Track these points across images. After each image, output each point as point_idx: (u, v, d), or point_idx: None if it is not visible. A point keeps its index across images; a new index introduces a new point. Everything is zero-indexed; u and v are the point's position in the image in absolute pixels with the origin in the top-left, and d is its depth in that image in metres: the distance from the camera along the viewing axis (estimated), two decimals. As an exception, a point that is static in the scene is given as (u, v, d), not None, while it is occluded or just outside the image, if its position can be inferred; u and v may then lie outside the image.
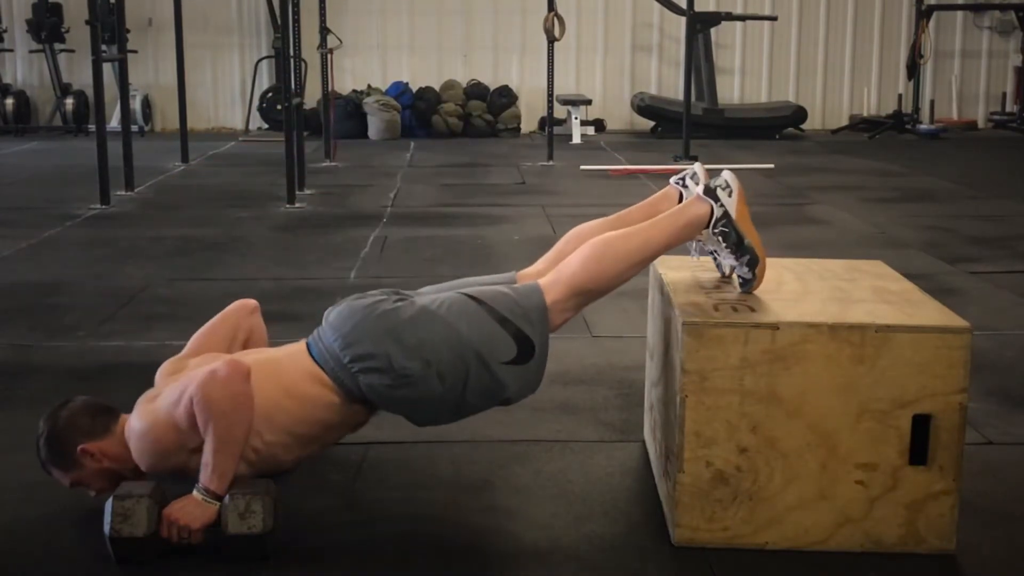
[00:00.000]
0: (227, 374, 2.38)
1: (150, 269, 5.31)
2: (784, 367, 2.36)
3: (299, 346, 2.66)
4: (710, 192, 2.63)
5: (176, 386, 2.49)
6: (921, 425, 2.36)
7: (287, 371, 2.57)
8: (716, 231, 2.61)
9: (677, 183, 2.78)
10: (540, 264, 2.76)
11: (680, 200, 2.75)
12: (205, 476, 2.38)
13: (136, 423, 2.51)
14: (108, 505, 2.35)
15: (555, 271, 2.63)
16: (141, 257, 5.61)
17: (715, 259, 2.75)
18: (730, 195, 2.62)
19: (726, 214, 2.60)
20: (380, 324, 2.53)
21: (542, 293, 2.57)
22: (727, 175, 2.65)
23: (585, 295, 2.61)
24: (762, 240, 2.64)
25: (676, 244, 2.67)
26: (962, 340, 2.33)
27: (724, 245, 2.62)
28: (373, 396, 2.55)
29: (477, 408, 2.62)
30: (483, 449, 3.02)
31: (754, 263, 2.59)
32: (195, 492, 2.37)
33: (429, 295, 2.65)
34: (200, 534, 2.35)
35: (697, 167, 2.75)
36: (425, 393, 2.52)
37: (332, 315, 2.62)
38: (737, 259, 2.60)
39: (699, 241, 2.70)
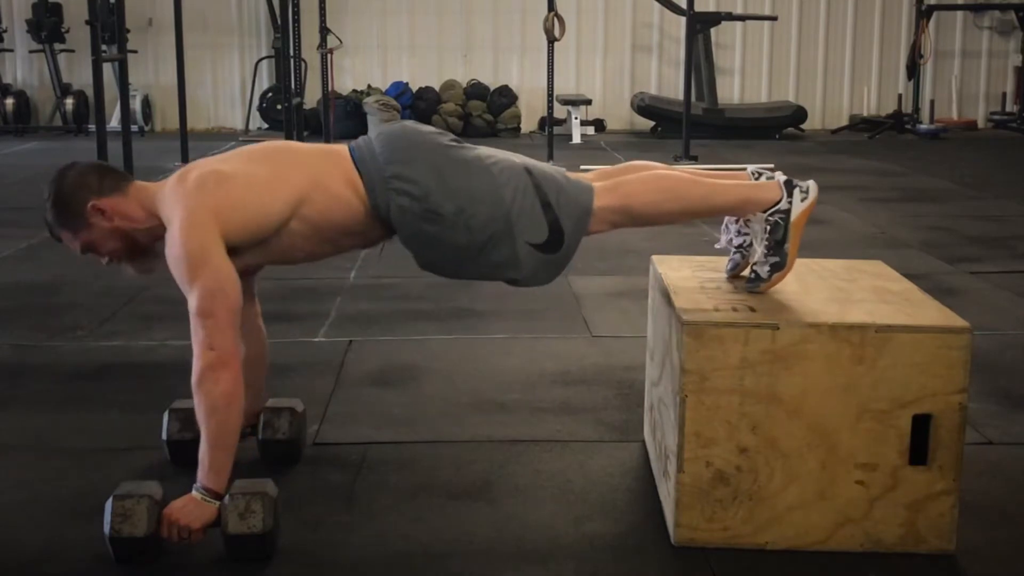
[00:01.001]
0: (226, 375, 2.37)
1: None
2: (784, 367, 2.35)
3: (340, 147, 2.64)
4: (789, 185, 2.61)
5: (206, 306, 2.38)
6: (921, 425, 2.36)
7: (325, 166, 2.56)
8: (771, 219, 2.57)
9: (753, 173, 2.75)
10: (592, 174, 2.73)
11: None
12: (202, 474, 2.38)
13: (177, 237, 2.41)
14: (108, 505, 2.35)
15: (614, 181, 2.60)
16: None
17: (734, 253, 2.72)
18: (803, 200, 2.59)
19: (788, 210, 2.58)
20: (431, 155, 2.53)
21: (593, 196, 2.55)
22: (812, 184, 2.63)
23: (631, 217, 2.60)
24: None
25: (733, 212, 2.65)
26: (962, 340, 2.33)
27: (767, 236, 2.58)
28: (397, 218, 2.52)
29: (484, 274, 2.60)
30: (483, 449, 3.02)
31: (778, 267, 2.57)
32: (194, 492, 2.37)
33: (488, 149, 2.63)
34: (200, 534, 2.35)
35: (779, 173, 2.71)
36: (446, 236, 2.50)
37: (386, 129, 2.61)
38: (767, 255, 2.58)
39: (746, 223, 2.66)
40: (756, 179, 2.71)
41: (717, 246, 2.78)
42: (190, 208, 2.46)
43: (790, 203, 2.58)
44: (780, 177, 2.65)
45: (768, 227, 2.58)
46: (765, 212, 2.59)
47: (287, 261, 2.65)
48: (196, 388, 2.38)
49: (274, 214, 2.50)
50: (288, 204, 2.50)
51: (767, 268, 2.58)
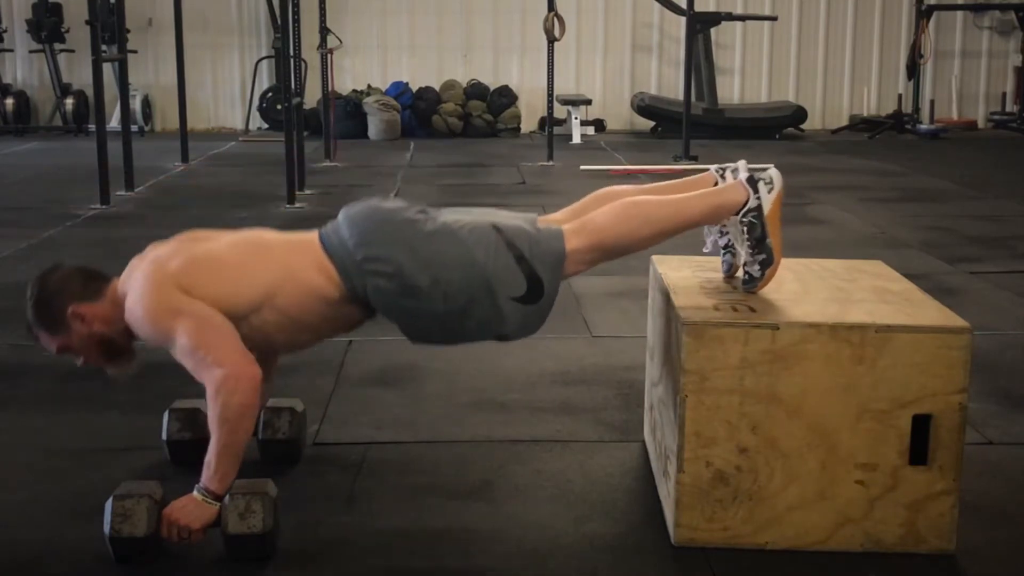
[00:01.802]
0: (244, 386, 2.37)
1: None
2: (784, 367, 2.35)
3: (311, 235, 2.65)
4: (752, 182, 2.61)
5: (199, 335, 2.40)
6: (921, 425, 2.36)
7: (296, 256, 2.57)
8: (745, 220, 2.58)
9: (718, 171, 2.75)
10: (561, 214, 2.74)
11: (715, 186, 2.73)
12: (207, 476, 2.38)
13: (140, 306, 2.44)
14: (108, 505, 2.35)
15: (581, 221, 2.61)
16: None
17: (724, 254, 2.73)
18: (770, 191, 2.59)
19: (759, 207, 2.58)
20: (399, 231, 2.53)
21: (564, 239, 2.56)
22: (774, 172, 2.62)
23: (605, 251, 2.60)
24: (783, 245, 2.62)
25: (705, 222, 2.65)
26: (962, 340, 2.33)
27: (746, 237, 2.58)
28: (376, 299, 2.54)
29: (473, 336, 2.61)
30: (483, 449, 3.02)
31: (767, 264, 2.57)
32: (195, 492, 2.37)
33: (453, 214, 2.64)
34: (200, 534, 2.35)
35: (741, 163, 2.72)
36: (427, 308, 2.51)
37: (353, 211, 2.61)
38: (753, 255, 2.58)
39: (723, 227, 2.68)
40: (721, 176, 2.71)
41: (705, 251, 2.78)
42: (148, 275, 2.48)
43: (759, 199, 2.58)
44: (742, 174, 2.65)
45: (745, 228, 2.59)
46: (737, 215, 2.59)
47: (265, 349, 2.60)
48: (212, 399, 2.37)
49: (240, 296, 2.49)
50: (256, 292, 2.49)
51: (757, 267, 2.58)
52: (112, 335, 2.55)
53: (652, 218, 2.58)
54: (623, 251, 2.63)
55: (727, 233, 2.69)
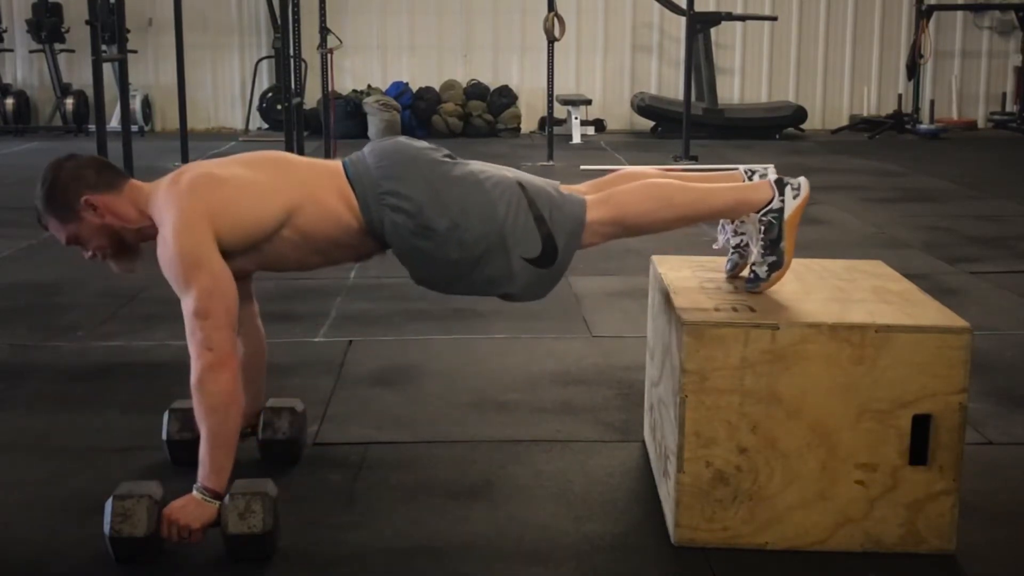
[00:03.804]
0: (220, 375, 2.37)
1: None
2: (784, 367, 2.35)
3: (335, 162, 2.65)
4: (780, 183, 2.61)
5: (203, 306, 2.39)
6: (921, 425, 2.36)
7: (319, 180, 2.57)
8: (764, 219, 2.57)
9: (746, 172, 2.75)
10: (584, 187, 2.74)
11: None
12: (203, 474, 2.38)
13: (172, 241, 2.42)
14: (108, 505, 2.35)
15: (606, 193, 2.61)
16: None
17: (732, 254, 2.73)
18: (795, 197, 2.59)
19: (781, 209, 2.58)
20: (425, 171, 2.54)
21: (585, 209, 2.56)
22: (803, 180, 2.63)
23: (624, 227, 2.60)
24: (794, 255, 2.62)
25: (726, 214, 2.65)
26: (962, 340, 2.33)
27: (762, 236, 2.58)
28: (391, 234, 2.54)
29: (477, 289, 2.61)
30: (483, 449, 3.02)
31: (776, 266, 2.57)
32: (194, 491, 2.37)
33: (481, 164, 2.64)
34: (200, 534, 2.35)
35: (771, 167, 2.72)
36: (439, 252, 2.51)
37: (380, 145, 2.62)
38: (764, 255, 2.58)
39: (741, 223, 2.67)
40: (749, 178, 2.71)
41: (715, 246, 2.78)
42: (183, 209, 2.46)
43: (783, 202, 2.58)
44: (771, 176, 2.65)
45: (763, 227, 2.58)
46: (758, 212, 2.59)
47: (278, 268, 2.66)
48: (195, 389, 2.38)
49: (267, 220, 2.51)
50: (280, 212, 2.51)
51: (765, 268, 2.58)
52: (123, 230, 2.55)
53: (676, 201, 2.58)
54: (642, 229, 2.63)
55: (742, 233, 2.68)
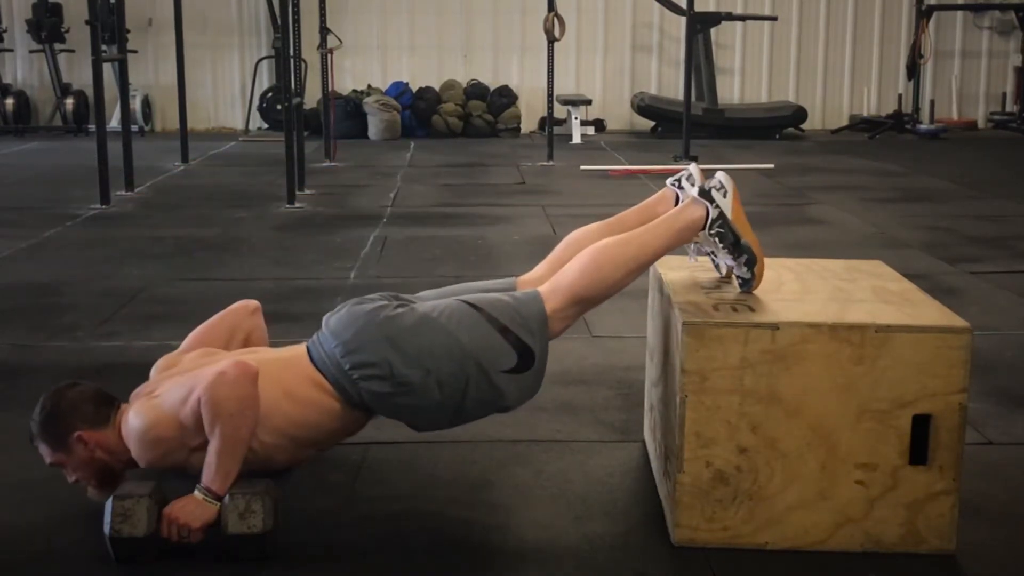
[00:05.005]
0: (236, 376, 2.38)
1: (150, 269, 5.31)
2: (784, 367, 2.35)
3: (299, 349, 2.66)
4: (705, 194, 2.63)
5: (182, 383, 2.48)
6: (921, 425, 2.36)
7: (288, 374, 2.57)
8: (712, 232, 2.61)
9: (673, 184, 2.78)
10: (539, 269, 2.77)
11: (677, 202, 2.75)
12: (208, 476, 2.38)
13: (136, 420, 2.49)
14: (108, 505, 2.35)
15: (553, 279, 2.63)
16: (141, 257, 5.61)
17: (713, 260, 2.76)
18: (725, 195, 2.62)
19: (721, 215, 2.61)
20: (381, 331, 2.54)
21: (542, 301, 2.58)
22: (721, 176, 2.66)
23: (584, 302, 2.62)
24: (760, 240, 2.64)
25: (673, 247, 2.68)
26: (962, 340, 2.33)
27: (721, 246, 2.62)
28: (373, 403, 2.56)
29: (476, 415, 2.63)
30: (483, 449, 3.02)
31: (752, 262, 2.59)
32: (196, 492, 2.37)
33: (430, 301, 2.65)
34: (200, 534, 2.35)
35: (693, 168, 2.75)
36: (424, 401, 2.53)
37: (332, 321, 2.62)
38: (735, 259, 2.61)
39: (696, 243, 2.70)
40: (678, 189, 2.74)
41: (690, 262, 2.81)
42: (144, 403, 2.52)
43: (718, 207, 2.62)
44: (693, 189, 2.67)
45: (716, 239, 2.62)
46: (704, 229, 2.62)
47: (269, 469, 2.57)
48: (207, 400, 2.37)
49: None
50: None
51: (744, 268, 2.61)
52: (111, 463, 2.55)
53: (619, 260, 2.59)
54: (602, 297, 2.65)
55: (703, 247, 2.72)
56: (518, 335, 2.54)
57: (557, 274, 2.64)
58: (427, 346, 2.51)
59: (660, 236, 2.63)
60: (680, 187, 2.75)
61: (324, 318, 2.67)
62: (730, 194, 2.62)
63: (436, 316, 2.56)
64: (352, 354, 2.53)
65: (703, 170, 2.77)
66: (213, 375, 2.39)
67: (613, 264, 2.59)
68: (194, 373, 2.52)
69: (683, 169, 2.79)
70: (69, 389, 2.59)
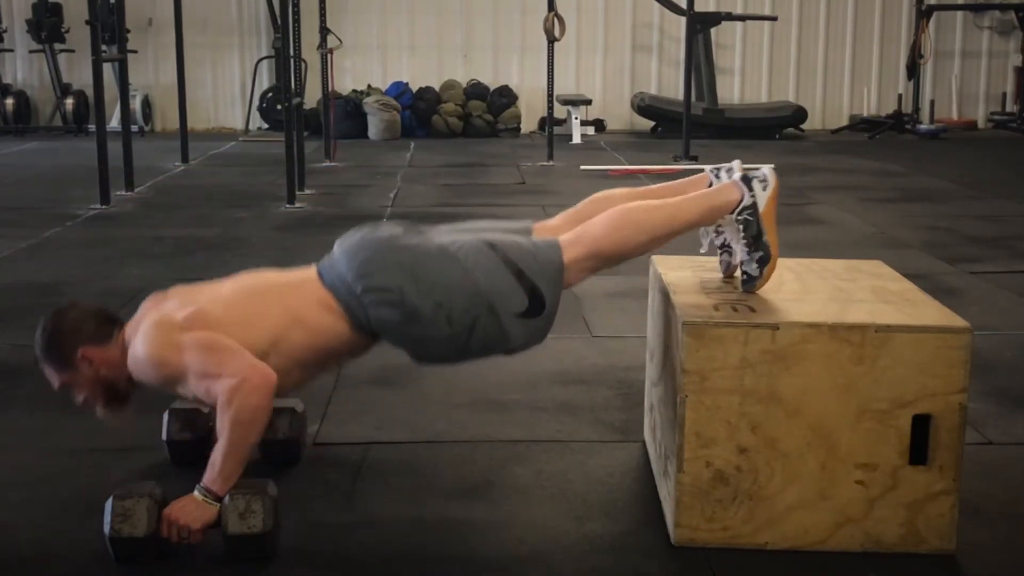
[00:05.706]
0: (258, 384, 2.38)
1: (150, 269, 5.31)
2: (784, 367, 2.35)
3: (308, 272, 2.65)
4: (746, 180, 2.61)
5: (210, 357, 2.42)
6: (921, 425, 2.36)
7: (296, 298, 2.57)
8: (740, 218, 2.58)
9: (713, 172, 2.76)
10: (558, 219, 2.74)
11: (710, 187, 2.73)
12: (210, 477, 2.38)
13: (144, 348, 2.47)
14: (108, 505, 2.35)
15: (577, 231, 2.61)
16: (141, 257, 5.61)
17: (722, 255, 2.73)
18: (764, 189, 2.59)
19: (754, 205, 2.58)
20: (397, 258, 2.54)
21: (561, 251, 2.57)
22: (767, 170, 2.63)
23: (603, 259, 2.61)
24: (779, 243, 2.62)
25: (700, 224, 2.66)
26: (962, 340, 2.33)
27: (742, 235, 2.59)
28: (381, 328, 2.55)
29: (480, 354, 2.63)
30: (483, 449, 3.02)
31: (765, 261, 2.57)
32: (196, 492, 2.37)
33: (448, 234, 2.64)
34: (200, 534, 2.35)
35: (736, 163, 2.72)
36: (432, 333, 2.52)
37: (347, 243, 2.62)
38: (750, 253, 2.59)
39: (718, 227, 2.68)
40: (716, 176, 2.71)
41: (701, 251, 2.79)
42: (153, 322, 2.51)
43: (753, 197, 2.59)
44: (736, 174, 2.65)
45: (741, 226, 2.59)
46: (733, 213, 2.60)
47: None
48: (224, 405, 2.37)
49: (247, 348, 2.48)
50: (262, 341, 2.49)
51: (755, 265, 2.59)
52: (116, 381, 2.56)
53: (646, 224, 2.58)
54: (621, 258, 2.63)
55: (723, 232, 2.69)
56: (533, 281, 2.53)
57: (581, 226, 2.62)
58: (442, 280, 2.51)
59: (690, 209, 2.61)
60: (717, 176, 2.73)
61: (338, 241, 2.66)
62: (770, 189, 2.60)
63: (454, 251, 2.55)
64: (366, 277, 2.53)
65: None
66: (238, 380, 2.37)
67: (639, 227, 2.58)
68: (228, 351, 2.43)
69: (726, 164, 2.76)
70: (68, 311, 2.60)
